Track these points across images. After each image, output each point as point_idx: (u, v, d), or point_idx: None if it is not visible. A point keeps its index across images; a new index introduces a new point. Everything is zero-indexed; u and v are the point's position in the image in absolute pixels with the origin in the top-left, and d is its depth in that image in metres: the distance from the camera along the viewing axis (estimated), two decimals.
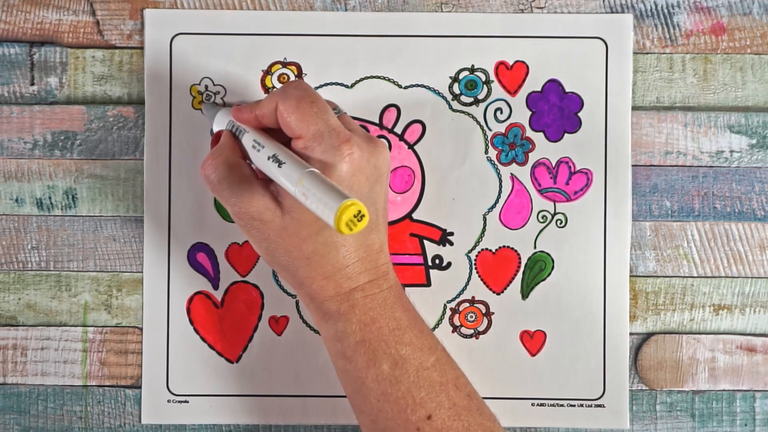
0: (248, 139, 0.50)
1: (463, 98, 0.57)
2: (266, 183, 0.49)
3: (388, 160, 0.50)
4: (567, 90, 0.57)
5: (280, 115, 0.48)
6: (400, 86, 0.57)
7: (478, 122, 0.57)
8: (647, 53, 0.58)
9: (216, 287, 0.58)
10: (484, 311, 0.58)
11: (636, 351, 0.58)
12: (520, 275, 0.58)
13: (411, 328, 0.49)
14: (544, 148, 0.57)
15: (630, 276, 0.57)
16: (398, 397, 0.48)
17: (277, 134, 0.50)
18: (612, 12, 0.57)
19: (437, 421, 0.48)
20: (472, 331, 0.58)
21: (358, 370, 0.49)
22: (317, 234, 0.47)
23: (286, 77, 0.57)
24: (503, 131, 0.57)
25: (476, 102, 0.57)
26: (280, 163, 0.46)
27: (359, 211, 0.41)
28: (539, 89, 0.57)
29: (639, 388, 0.58)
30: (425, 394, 0.48)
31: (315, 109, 0.48)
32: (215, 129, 0.54)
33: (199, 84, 0.57)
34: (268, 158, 0.47)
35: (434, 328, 0.58)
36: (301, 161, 0.46)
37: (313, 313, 0.50)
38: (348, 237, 0.48)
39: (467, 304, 0.58)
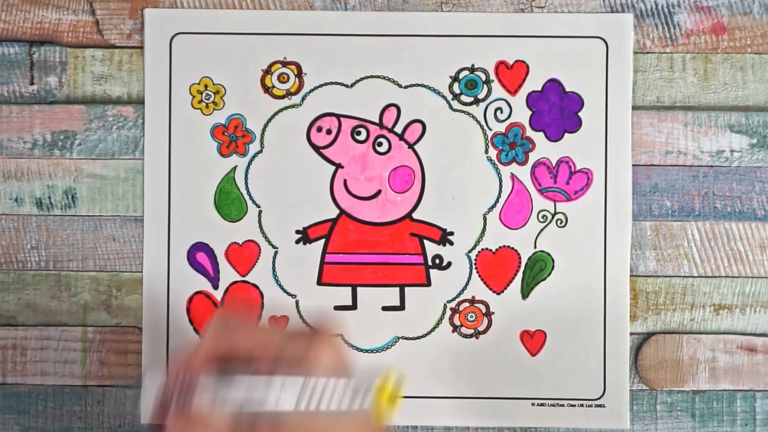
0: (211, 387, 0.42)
1: (463, 98, 0.57)
2: None
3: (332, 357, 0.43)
4: (567, 89, 0.57)
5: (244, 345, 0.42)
6: (400, 86, 0.57)
7: (478, 122, 0.57)
8: (647, 53, 0.58)
9: (216, 287, 0.58)
10: (484, 311, 0.58)
11: (636, 351, 0.57)
12: (520, 275, 0.57)
13: None
14: (544, 148, 0.57)
15: (630, 276, 0.57)
16: None
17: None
18: (612, 11, 0.57)
19: None
20: (472, 331, 0.57)
21: None
22: None
23: (285, 77, 0.57)
24: (503, 131, 0.57)
25: (476, 101, 0.57)
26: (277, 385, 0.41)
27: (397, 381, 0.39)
28: (539, 89, 0.57)
29: (639, 388, 0.58)
30: None
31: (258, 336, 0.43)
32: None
33: (199, 83, 0.57)
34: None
35: (434, 328, 0.57)
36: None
37: None
38: None
39: (467, 304, 0.58)
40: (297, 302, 0.58)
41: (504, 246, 0.58)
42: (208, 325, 0.43)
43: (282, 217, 0.57)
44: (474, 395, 0.57)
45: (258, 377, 0.41)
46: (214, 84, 0.57)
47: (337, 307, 0.57)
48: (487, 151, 0.57)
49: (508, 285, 0.58)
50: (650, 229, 0.58)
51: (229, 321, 0.43)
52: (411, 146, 0.58)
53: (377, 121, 0.57)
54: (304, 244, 0.58)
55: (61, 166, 0.57)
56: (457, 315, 0.57)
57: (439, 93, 0.57)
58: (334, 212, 0.58)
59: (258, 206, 0.57)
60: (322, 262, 0.58)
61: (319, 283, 0.58)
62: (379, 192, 0.58)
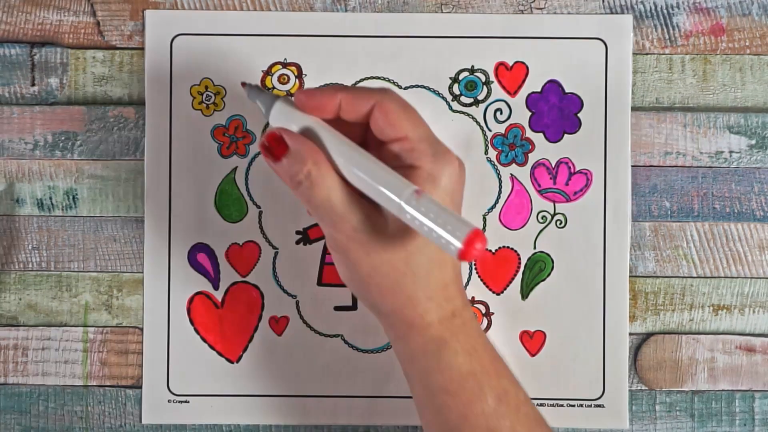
0: (335, 146, 0.44)
1: (463, 99, 0.58)
2: (363, 196, 0.44)
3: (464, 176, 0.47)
4: (567, 90, 0.57)
5: (383, 114, 0.44)
6: (400, 87, 0.58)
7: (477, 123, 0.58)
8: (647, 54, 0.58)
9: (216, 287, 0.58)
10: (484, 311, 0.58)
11: (635, 351, 0.58)
12: (519, 275, 0.58)
13: (501, 359, 0.47)
14: (543, 149, 0.58)
15: (630, 276, 0.57)
16: None
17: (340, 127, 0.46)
18: (612, 13, 0.57)
19: None
20: None
21: (463, 405, 0.44)
22: (425, 246, 0.43)
23: (286, 78, 0.57)
24: (503, 132, 0.58)
25: (476, 103, 0.58)
26: (383, 181, 0.42)
27: (484, 242, 0.39)
28: (539, 90, 0.58)
29: (638, 388, 0.58)
30: (526, 431, 0.46)
31: (419, 116, 0.45)
32: (275, 123, 0.47)
33: (199, 84, 0.57)
34: (365, 168, 0.43)
35: None
36: (405, 180, 0.42)
37: (406, 345, 0.46)
38: (446, 253, 0.43)
39: None
40: (297, 303, 0.58)
41: (503, 246, 0.58)
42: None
43: (282, 217, 0.58)
44: None
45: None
46: (214, 85, 0.57)
47: (337, 308, 0.58)
48: (486, 152, 0.58)
49: (507, 285, 0.58)
50: (649, 230, 0.58)
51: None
52: None
53: None
54: (305, 244, 0.58)
55: (62, 167, 0.58)
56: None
57: (438, 94, 0.58)
58: None
59: (258, 207, 0.58)
60: (323, 263, 0.58)
61: (320, 283, 0.58)
62: None
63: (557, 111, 0.57)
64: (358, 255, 0.44)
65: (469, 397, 0.45)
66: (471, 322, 0.46)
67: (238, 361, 0.58)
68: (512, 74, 0.57)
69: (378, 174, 0.43)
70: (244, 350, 0.58)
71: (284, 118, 0.46)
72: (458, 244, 0.39)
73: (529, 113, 0.58)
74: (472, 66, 0.58)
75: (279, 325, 0.58)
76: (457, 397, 0.45)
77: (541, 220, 0.58)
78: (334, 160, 0.44)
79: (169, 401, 0.57)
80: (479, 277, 0.58)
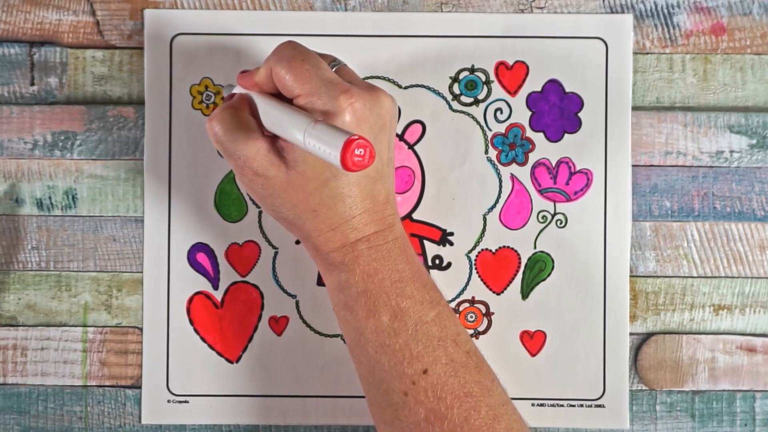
0: (257, 100, 0.50)
1: (463, 98, 0.58)
2: (271, 140, 0.48)
3: (392, 108, 0.49)
4: (567, 90, 0.57)
5: (275, 79, 0.48)
6: (400, 86, 0.57)
7: (478, 122, 0.58)
8: (647, 53, 0.58)
9: (216, 287, 0.58)
10: (484, 311, 0.58)
11: (636, 351, 0.58)
12: (520, 275, 0.58)
13: (413, 281, 0.49)
14: (544, 149, 0.57)
15: (630, 276, 0.57)
16: (395, 350, 0.48)
17: (286, 99, 0.50)
18: (612, 12, 0.57)
19: (433, 376, 0.48)
20: (472, 332, 0.58)
21: (358, 321, 0.49)
22: (323, 186, 0.47)
23: None
24: (503, 131, 0.58)
25: (476, 102, 0.58)
26: (287, 116, 0.47)
27: (365, 149, 0.41)
28: (539, 89, 0.57)
29: (639, 388, 0.58)
30: (422, 348, 0.48)
31: (307, 66, 0.47)
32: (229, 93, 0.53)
33: (199, 84, 0.57)
34: (274, 113, 0.48)
35: None
36: (308, 114, 0.46)
37: (318, 263, 0.50)
38: (354, 188, 0.48)
39: (467, 305, 0.58)
40: (297, 302, 0.58)
41: (504, 246, 0.58)
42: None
43: None
44: None
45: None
46: (214, 85, 0.57)
47: None
48: (487, 152, 0.58)
49: (507, 285, 0.58)
50: (650, 230, 0.58)
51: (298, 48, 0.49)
52: (411, 147, 0.58)
53: None
54: None
55: (61, 166, 0.58)
56: (457, 315, 0.58)
57: (439, 93, 0.57)
58: None
59: (258, 207, 0.57)
60: None
61: (319, 283, 0.58)
62: None
63: (557, 110, 0.57)
64: (262, 196, 0.49)
65: (364, 313, 0.48)
66: (382, 246, 0.49)
67: (237, 361, 0.58)
68: (512, 74, 0.57)
69: (285, 114, 0.47)
70: (244, 350, 0.58)
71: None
72: (337, 153, 0.41)
73: (530, 113, 0.57)
74: (472, 65, 0.57)
75: (279, 325, 0.58)
76: (354, 313, 0.49)
77: (541, 220, 0.57)
78: (259, 115, 0.50)
79: (168, 401, 0.57)
80: (479, 277, 0.58)
